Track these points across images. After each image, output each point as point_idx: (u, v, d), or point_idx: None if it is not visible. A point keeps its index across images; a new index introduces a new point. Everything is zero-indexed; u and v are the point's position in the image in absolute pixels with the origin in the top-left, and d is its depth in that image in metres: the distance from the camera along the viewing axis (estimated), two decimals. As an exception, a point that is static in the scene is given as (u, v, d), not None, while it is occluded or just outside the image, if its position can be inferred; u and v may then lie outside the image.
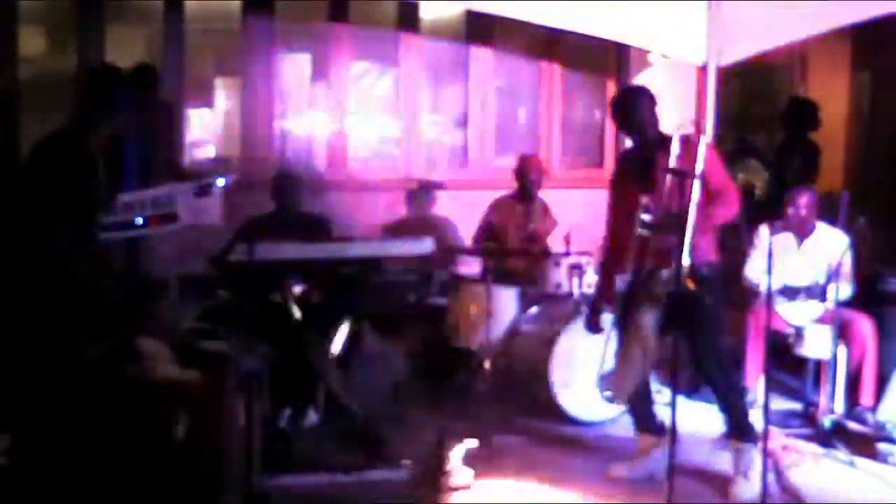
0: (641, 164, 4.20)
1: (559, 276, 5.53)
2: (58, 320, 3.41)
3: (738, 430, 4.17)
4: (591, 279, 5.41)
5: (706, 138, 3.99)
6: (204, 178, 5.15)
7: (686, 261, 3.78)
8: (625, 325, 4.20)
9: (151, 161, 5.53)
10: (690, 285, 3.80)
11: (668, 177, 3.93)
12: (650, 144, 4.17)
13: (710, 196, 3.99)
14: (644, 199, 3.96)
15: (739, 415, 4.19)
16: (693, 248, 3.82)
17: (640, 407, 4.38)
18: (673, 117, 6.92)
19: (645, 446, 4.36)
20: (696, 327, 4.04)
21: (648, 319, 4.05)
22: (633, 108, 4.19)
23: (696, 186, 3.81)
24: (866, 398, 4.99)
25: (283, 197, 5.38)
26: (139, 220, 4.47)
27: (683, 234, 3.80)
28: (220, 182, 4.80)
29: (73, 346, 3.36)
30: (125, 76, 4.16)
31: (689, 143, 3.99)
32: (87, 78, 4.23)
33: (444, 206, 6.91)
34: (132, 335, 3.61)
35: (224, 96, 7.32)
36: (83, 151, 3.66)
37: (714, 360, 4.16)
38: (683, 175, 3.82)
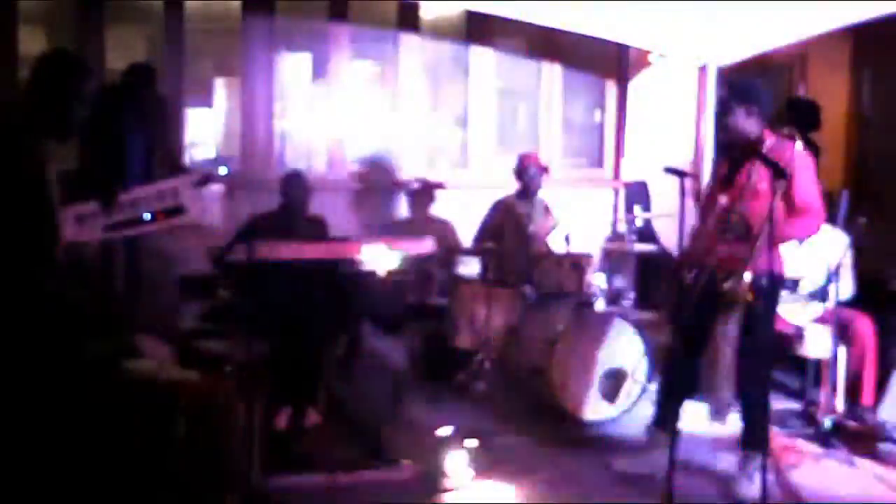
0: (730, 166, 4.21)
1: (559, 276, 5.54)
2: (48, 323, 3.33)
3: (753, 441, 4.17)
4: (591, 279, 5.42)
5: (801, 151, 3.94)
6: (205, 169, 5.08)
7: (749, 272, 3.81)
8: (681, 323, 4.17)
9: (153, 156, 5.55)
10: (749, 297, 3.81)
11: (750, 182, 3.95)
12: (741, 147, 4.16)
13: (792, 208, 4.01)
14: (722, 200, 3.95)
15: (759, 427, 4.18)
16: (759, 258, 3.84)
17: (672, 405, 4.35)
18: (672, 118, 6.98)
19: (653, 444, 4.36)
20: (742, 332, 4.08)
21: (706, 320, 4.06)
22: (729, 109, 4.16)
23: (778, 197, 3.76)
24: (866, 398, 4.99)
25: (292, 197, 5.32)
26: (147, 216, 4.43)
27: (751, 242, 3.81)
28: (223, 171, 4.75)
29: (69, 348, 3.35)
30: (82, 65, 3.41)
31: (781, 152, 3.94)
32: (35, 66, 3.39)
33: (444, 206, 6.91)
34: (128, 336, 3.60)
35: (224, 96, 7.32)
36: (25, 150, 3.18)
37: (751, 365, 4.16)
38: (765, 182, 3.83)
